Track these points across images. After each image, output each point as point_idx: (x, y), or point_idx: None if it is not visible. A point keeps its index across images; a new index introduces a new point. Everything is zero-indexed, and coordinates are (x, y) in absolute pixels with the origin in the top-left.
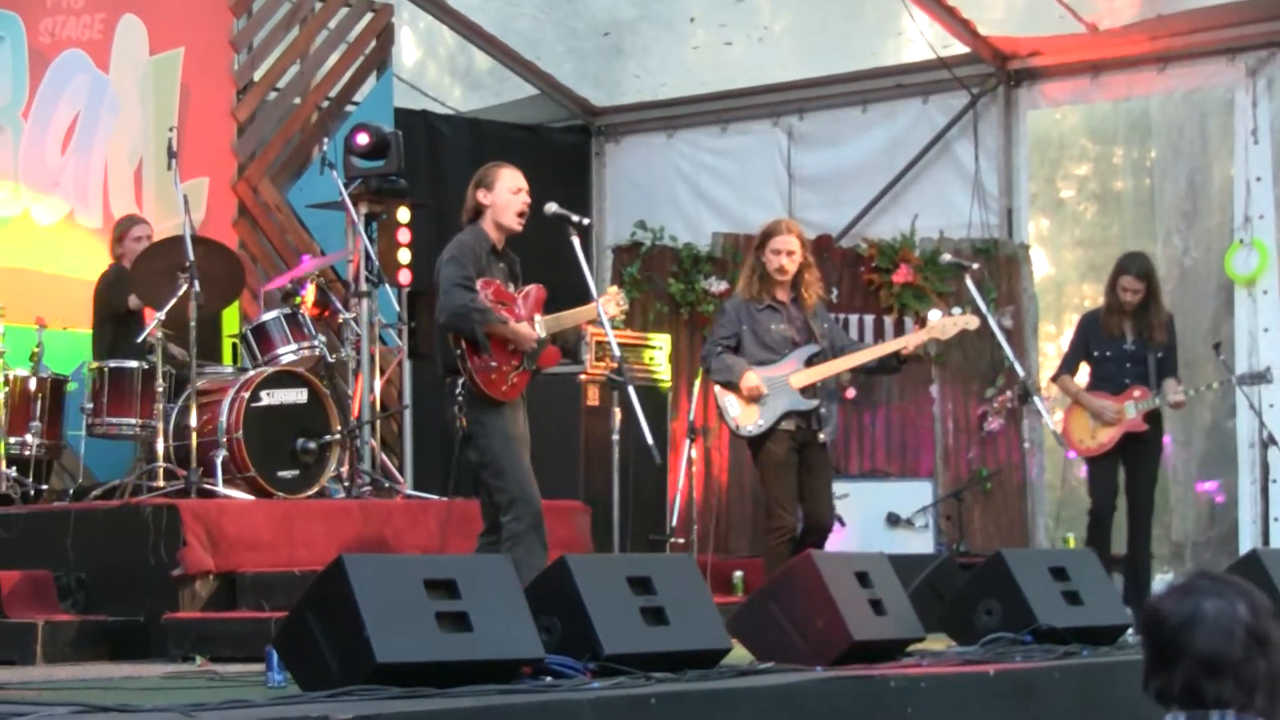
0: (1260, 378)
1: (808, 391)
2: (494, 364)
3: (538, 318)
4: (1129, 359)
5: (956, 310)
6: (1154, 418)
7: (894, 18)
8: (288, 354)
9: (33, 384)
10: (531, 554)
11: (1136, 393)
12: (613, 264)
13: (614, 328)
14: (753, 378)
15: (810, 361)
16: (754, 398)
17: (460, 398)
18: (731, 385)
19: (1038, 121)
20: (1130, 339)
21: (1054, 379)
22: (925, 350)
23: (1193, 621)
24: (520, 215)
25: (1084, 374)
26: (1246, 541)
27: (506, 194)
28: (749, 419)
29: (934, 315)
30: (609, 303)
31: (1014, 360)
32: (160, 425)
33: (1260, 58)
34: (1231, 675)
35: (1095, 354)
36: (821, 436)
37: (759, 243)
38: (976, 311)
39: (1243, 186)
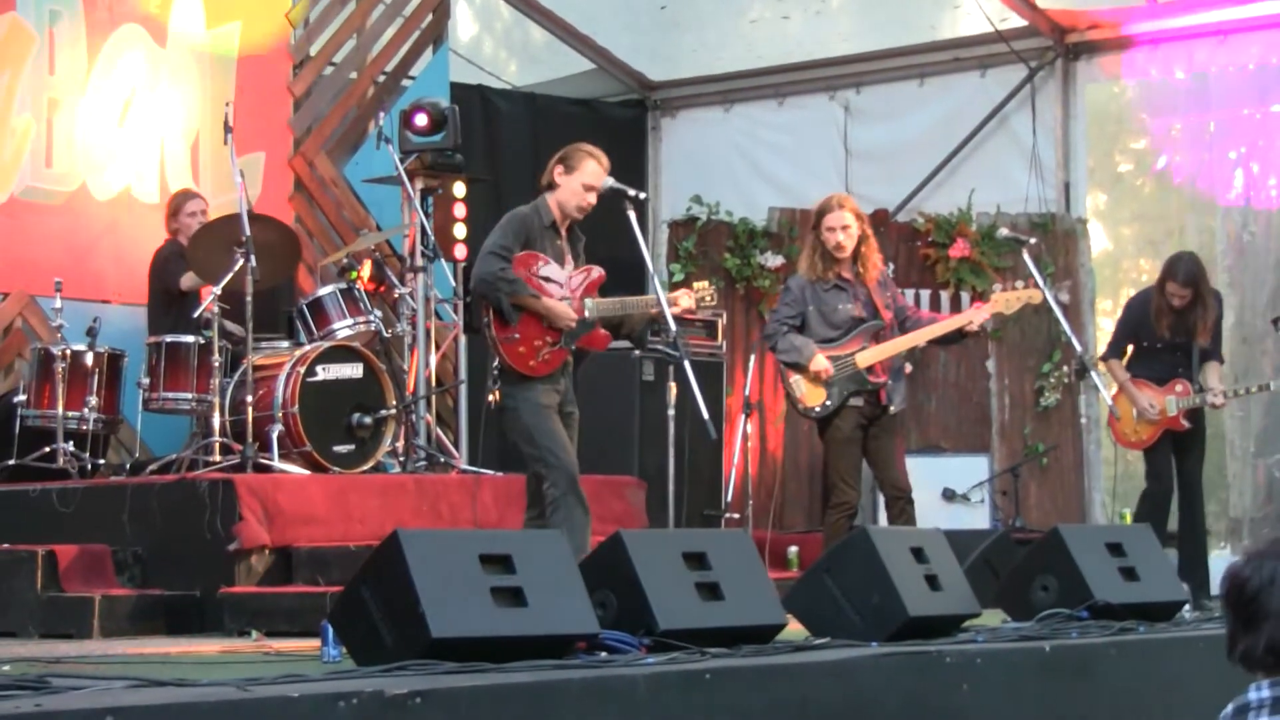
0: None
1: (874, 370)
2: (517, 336)
3: (589, 300)
4: (1177, 349)
5: (1019, 284)
6: (1196, 413)
7: None
8: (343, 329)
9: (90, 358)
10: (571, 517)
11: (1179, 388)
12: (668, 239)
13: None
14: (822, 360)
15: (876, 337)
16: (822, 379)
17: (496, 370)
18: (799, 366)
19: (1096, 95)
20: (1180, 332)
21: (1102, 360)
22: (983, 325)
23: (1273, 583)
24: (580, 209)
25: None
26: None
27: (578, 184)
28: (815, 399)
29: (996, 288)
30: (697, 296)
31: (1071, 335)
32: (216, 400)
33: None
34: None
35: (1144, 343)
36: (891, 409)
37: (815, 221)
38: (1036, 286)
39: None
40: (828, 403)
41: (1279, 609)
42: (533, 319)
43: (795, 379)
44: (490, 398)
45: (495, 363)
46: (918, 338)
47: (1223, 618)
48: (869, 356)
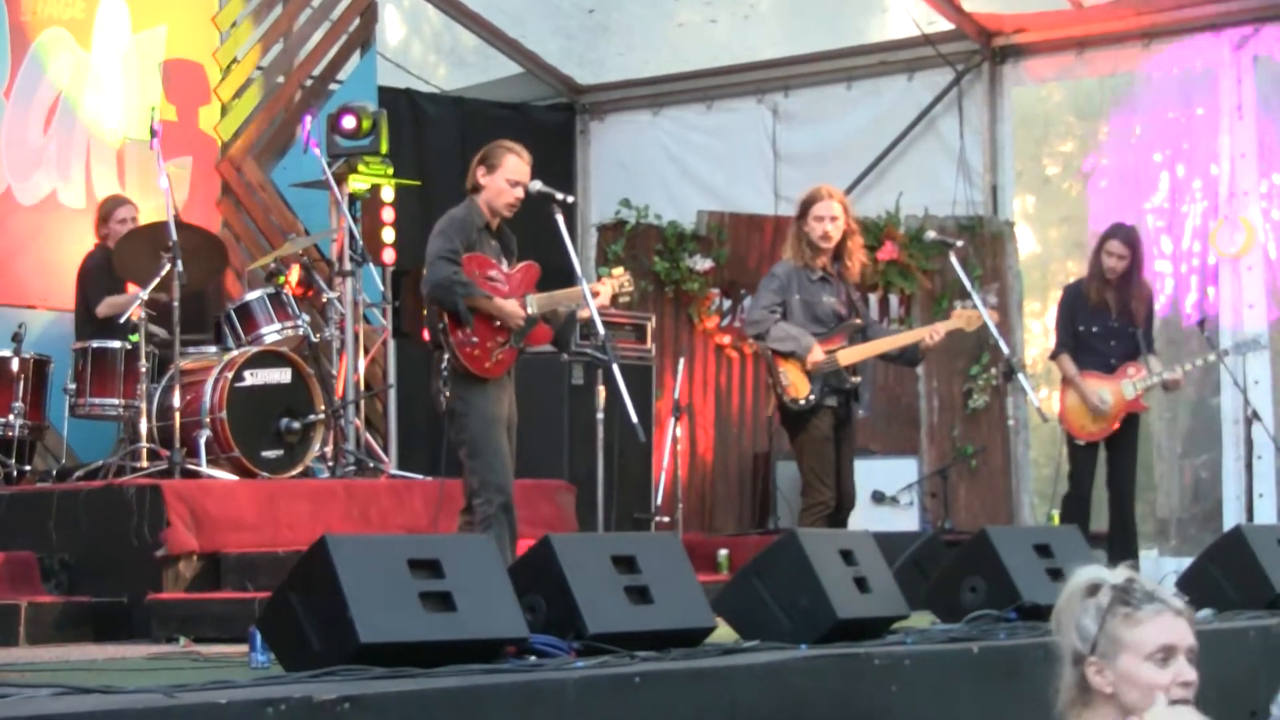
0: (1253, 344)
1: (852, 369)
2: (475, 339)
3: (529, 296)
4: (1114, 335)
5: (993, 299)
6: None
7: None
8: (271, 333)
9: (15, 364)
10: (500, 537)
11: (1131, 370)
12: (597, 242)
13: (619, 307)
14: (820, 352)
15: (854, 337)
16: (811, 372)
17: (445, 373)
18: (795, 356)
19: (1023, 98)
20: (1114, 313)
21: (1053, 357)
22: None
23: None
24: (510, 206)
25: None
26: (1230, 518)
27: (503, 182)
28: (801, 391)
29: (958, 306)
30: (616, 283)
31: (999, 338)
32: (143, 405)
33: (1245, 34)
34: None
35: (1080, 328)
36: (861, 413)
37: (799, 212)
38: (964, 292)
39: (1228, 163)
40: (811, 397)
41: None
42: (485, 321)
43: (785, 369)
44: (441, 400)
45: (444, 366)
46: (886, 344)
47: None
48: (850, 355)
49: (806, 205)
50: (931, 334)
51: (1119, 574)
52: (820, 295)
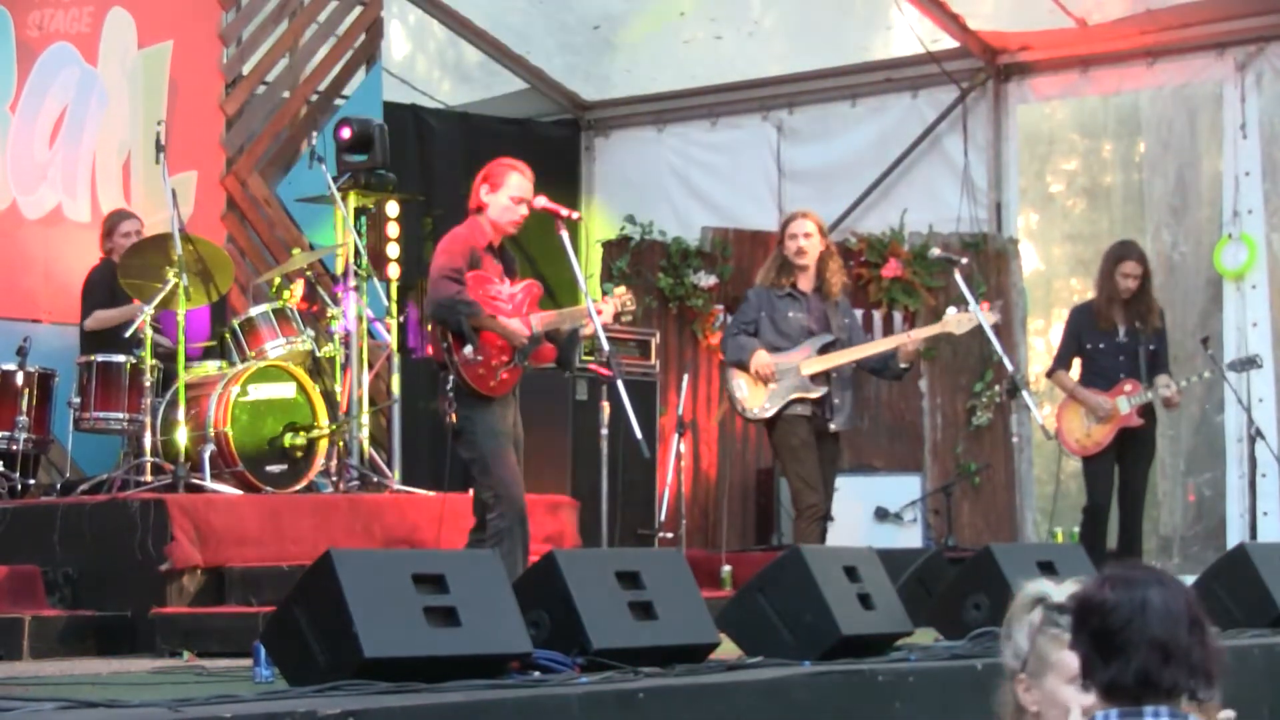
0: (1249, 363)
1: (817, 379)
2: (479, 358)
3: (533, 315)
4: (1121, 351)
5: (972, 306)
6: (1149, 413)
7: (883, 12)
8: (276, 348)
9: (20, 378)
10: (513, 552)
11: (1128, 387)
12: (602, 258)
13: (622, 324)
14: (764, 356)
15: (824, 350)
16: (763, 379)
17: (450, 392)
18: (742, 365)
19: (1027, 116)
20: (1123, 330)
21: (1049, 375)
22: (918, 347)
23: (1144, 609)
24: (514, 224)
25: (1075, 368)
26: (1234, 535)
27: (507, 200)
28: (756, 401)
29: (950, 311)
30: (619, 302)
31: (1003, 355)
32: (148, 420)
33: (1249, 52)
34: (1183, 660)
35: (1088, 346)
36: (832, 426)
37: (780, 236)
38: (966, 306)
39: (1231, 181)
40: (766, 405)
41: (1152, 638)
42: (489, 339)
43: (737, 380)
44: (448, 419)
45: (450, 385)
46: (861, 351)
47: (1076, 644)
48: (813, 365)
49: (783, 226)
50: (909, 339)
51: (1063, 590)
52: (786, 311)
